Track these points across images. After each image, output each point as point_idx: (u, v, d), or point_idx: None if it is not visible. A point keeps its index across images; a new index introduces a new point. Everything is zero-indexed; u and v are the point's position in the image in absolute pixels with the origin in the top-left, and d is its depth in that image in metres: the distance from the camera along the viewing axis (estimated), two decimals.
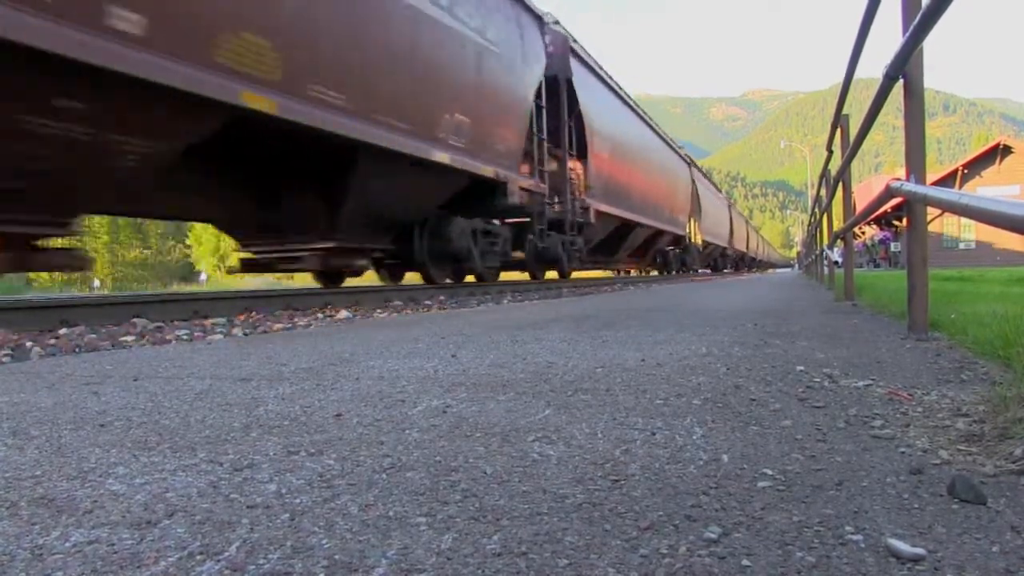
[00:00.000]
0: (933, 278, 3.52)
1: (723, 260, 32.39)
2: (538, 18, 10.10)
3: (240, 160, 6.22)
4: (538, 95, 10.09)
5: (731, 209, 34.72)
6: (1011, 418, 1.13)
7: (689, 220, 22.44)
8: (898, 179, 2.48)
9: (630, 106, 15.56)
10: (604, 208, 12.84)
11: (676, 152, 20.79)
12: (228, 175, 6.36)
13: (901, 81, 2.45)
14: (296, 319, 4.89)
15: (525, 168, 9.97)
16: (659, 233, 18.36)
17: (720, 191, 33.78)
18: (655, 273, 22.52)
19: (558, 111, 11.15)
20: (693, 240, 23.53)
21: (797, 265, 37.00)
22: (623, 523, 0.78)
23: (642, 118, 16.62)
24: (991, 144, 28.29)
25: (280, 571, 0.68)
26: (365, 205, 6.73)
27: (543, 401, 1.46)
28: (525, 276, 12.04)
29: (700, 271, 27.95)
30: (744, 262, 40.90)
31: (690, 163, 23.29)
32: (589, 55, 12.67)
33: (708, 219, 25.98)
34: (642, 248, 18.50)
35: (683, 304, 4.91)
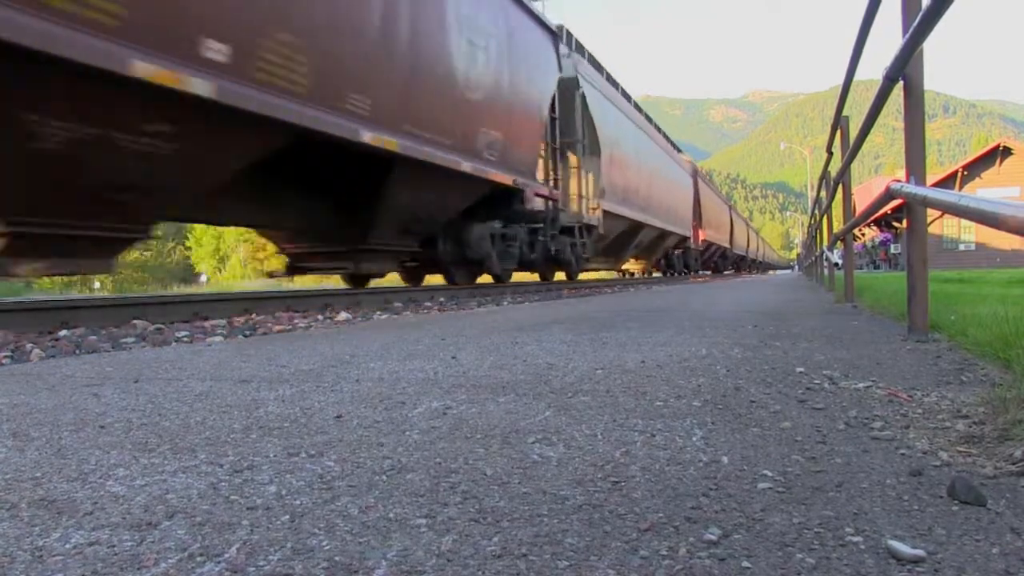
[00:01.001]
0: (933, 280, 3.52)
1: (723, 261, 33.01)
2: (552, 33, 9.97)
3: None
4: (552, 107, 10.15)
5: (732, 211, 35.69)
6: (1011, 420, 1.13)
7: (692, 222, 22.62)
8: (898, 181, 2.48)
9: (636, 115, 16.34)
10: (612, 208, 13.15)
11: (678, 155, 21.49)
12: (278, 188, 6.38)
13: (901, 83, 2.45)
14: (296, 321, 4.89)
15: (540, 175, 10.08)
16: (664, 234, 18.70)
17: (721, 194, 34.60)
18: (658, 275, 22.34)
19: (571, 119, 11.23)
20: (695, 242, 23.88)
21: (797, 267, 37.04)
22: (623, 525, 0.78)
23: (646, 123, 17.43)
24: (991, 146, 28.27)
25: (280, 572, 0.68)
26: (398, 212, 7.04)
27: (543, 403, 1.46)
28: (532, 277, 12.01)
29: (700, 272, 27.30)
30: (745, 263, 41.66)
31: (693, 167, 23.98)
32: (603, 71, 13.15)
33: (709, 222, 26.23)
34: (648, 249, 18.93)
35: (683, 306, 4.91)
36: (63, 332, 3.86)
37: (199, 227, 38.16)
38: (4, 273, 4.03)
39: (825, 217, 7.94)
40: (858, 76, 3.77)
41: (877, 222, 30.58)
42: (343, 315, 5.33)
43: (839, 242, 6.31)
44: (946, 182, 26.60)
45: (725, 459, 1.03)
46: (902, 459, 1.01)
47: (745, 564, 0.68)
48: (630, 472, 0.97)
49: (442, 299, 7.61)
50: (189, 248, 44.24)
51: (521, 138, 9.20)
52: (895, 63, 2.29)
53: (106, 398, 1.62)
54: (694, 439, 1.15)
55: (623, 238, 15.59)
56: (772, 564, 0.68)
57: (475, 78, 7.74)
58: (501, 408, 1.42)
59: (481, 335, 2.94)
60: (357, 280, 8.92)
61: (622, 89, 16.13)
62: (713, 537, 0.74)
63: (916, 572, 0.66)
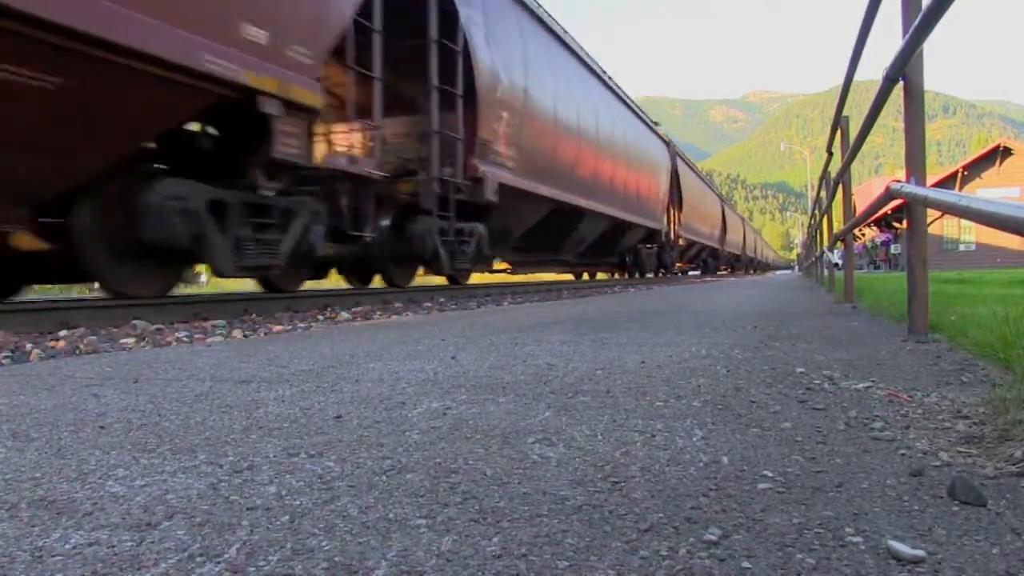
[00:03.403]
0: (933, 280, 3.52)
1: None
2: (667, 144, 19.01)
3: None
4: (669, 184, 19.62)
5: (745, 224, 38.32)
6: (1011, 420, 1.13)
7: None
8: (898, 181, 2.48)
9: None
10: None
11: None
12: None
13: (901, 83, 2.45)
14: (296, 321, 4.89)
15: (664, 221, 19.42)
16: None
17: (736, 211, 36.83)
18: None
19: (675, 188, 16.50)
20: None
21: (797, 267, 36.99)
22: (623, 525, 0.78)
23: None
24: (991, 146, 28.24)
25: (280, 573, 0.68)
26: None
27: (543, 403, 1.46)
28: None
29: (718, 272, 29.78)
30: (741, 263, 38.45)
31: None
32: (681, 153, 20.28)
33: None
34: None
35: (683, 306, 4.91)
36: (63, 332, 3.86)
37: None
38: None
39: (825, 217, 7.94)
40: (858, 77, 3.77)
41: (877, 222, 30.57)
42: (343, 315, 5.33)
43: (839, 242, 6.31)
44: (946, 182, 26.59)
45: (725, 459, 1.03)
46: (902, 459, 1.01)
47: (745, 564, 0.68)
48: (630, 472, 0.97)
49: (442, 299, 7.61)
50: None
51: (665, 204, 17.46)
52: (895, 63, 2.30)
53: (106, 398, 1.62)
54: (694, 439, 1.15)
55: (686, 249, 22.83)
56: (772, 564, 0.68)
57: (647, 179, 15.42)
58: (501, 408, 1.42)
59: (481, 335, 2.94)
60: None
61: (688, 159, 22.52)
62: (713, 537, 0.74)
63: (916, 572, 0.66)
